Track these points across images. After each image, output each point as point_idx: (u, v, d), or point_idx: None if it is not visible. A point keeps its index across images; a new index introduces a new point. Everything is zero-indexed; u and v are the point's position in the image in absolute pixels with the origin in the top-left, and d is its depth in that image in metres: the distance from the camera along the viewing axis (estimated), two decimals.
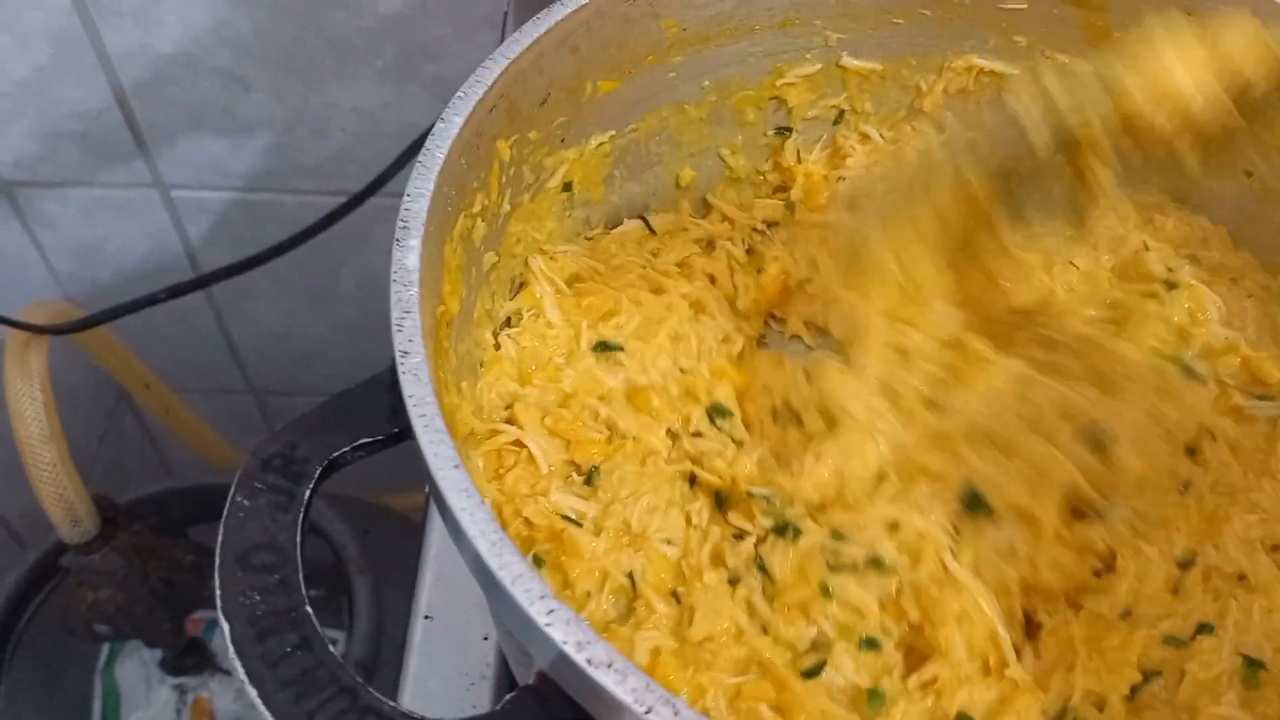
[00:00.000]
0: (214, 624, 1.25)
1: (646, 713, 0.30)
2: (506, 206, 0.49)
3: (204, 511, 1.18)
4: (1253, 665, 0.42)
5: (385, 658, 1.09)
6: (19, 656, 1.13)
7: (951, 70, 0.56)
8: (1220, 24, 0.39)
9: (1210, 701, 0.41)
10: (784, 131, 0.58)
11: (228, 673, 1.19)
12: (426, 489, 0.59)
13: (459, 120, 0.43)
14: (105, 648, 1.19)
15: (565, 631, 0.31)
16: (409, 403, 0.35)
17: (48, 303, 1.06)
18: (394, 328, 0.37)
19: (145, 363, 1.35)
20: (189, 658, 1.16)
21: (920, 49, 0.55)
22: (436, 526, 0.58)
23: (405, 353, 0.37)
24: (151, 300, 0.98)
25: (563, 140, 0.51)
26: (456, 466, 0.34)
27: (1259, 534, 0.44)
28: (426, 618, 0.55)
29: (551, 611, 0.31)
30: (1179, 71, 0.38)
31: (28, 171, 1.25)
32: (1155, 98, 0.39)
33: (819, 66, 0.56)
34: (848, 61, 0.56)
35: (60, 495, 0.91)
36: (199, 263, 1.36)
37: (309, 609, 0.35)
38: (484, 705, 0.52)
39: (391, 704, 0.33)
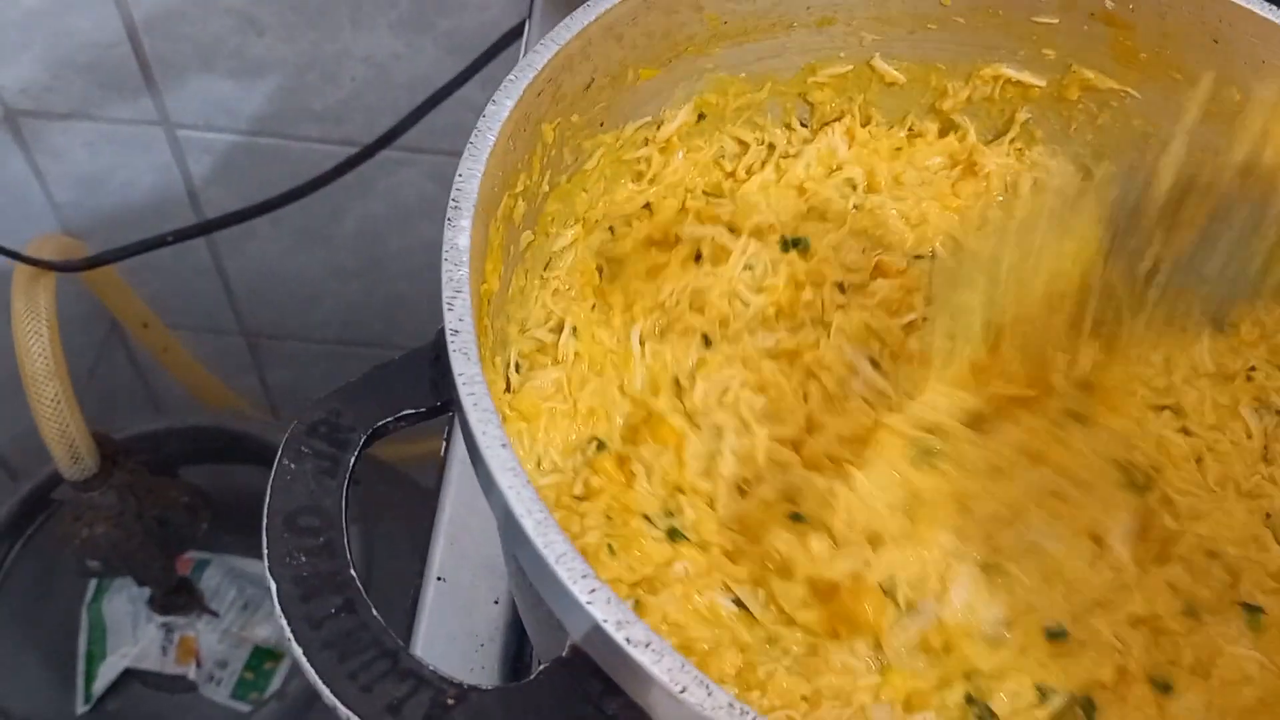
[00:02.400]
0: (204, 564, 1.26)
1: (681, 691, 0.32)
2: (545, 187, 0.50)
3: (199, 452, 1.19)
4: (1252, 611, 0.45)
5: (373, 606, 1.11)
6: (6, 588, 1.14)
7: (979, 78, 0.57)
8: None
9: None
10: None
11: (215, 613, 1.21)
12: (442, 452, 0.61)
13: (510, 103, 0.44)
14: (93, 582, 1.20)
15: (606, 610, 0.33)
16: (458, 380, 0.37)
17: (55, 237, 1.07)
18: (445, 306, 0.38)
19: (143, 300, 1.35)
20: (177, 597, 1.17)
21: (950, 55, 0.57)
22: (452, 492, 0.59)
23: (456, 331, 0.38)
24: (159, 242, 0.99)
25: (601, 124, 0.52)
26: (504, 445, 0.35)
27: None
28: (439, 579, 0.57)
29: (594, 591, 0.33)
30: None
31: (34, 101, 1.24)
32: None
33: (850, 67, 0.57)
34: (879, 63, 0.57)
35: (63, 432, 0.92)
36: (199, 202, 1.36)
37: (353, 573, 0.37)
38: (493, 667, 0.54)
39: (431, 668, 0.35)
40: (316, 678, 0.35)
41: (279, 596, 0.36)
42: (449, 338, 0.38)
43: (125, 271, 1.32)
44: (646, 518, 0.48)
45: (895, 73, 0.57)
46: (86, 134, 1.29)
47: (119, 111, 1.26)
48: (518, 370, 0.50)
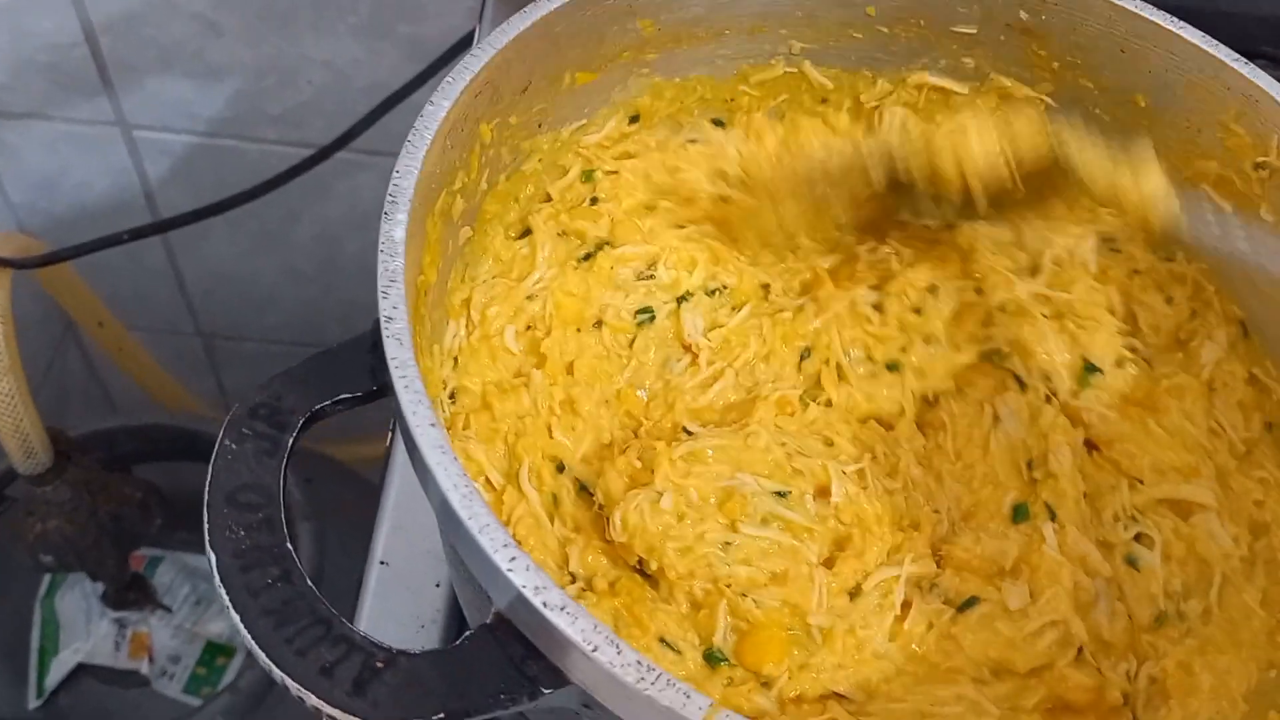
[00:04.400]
0: (157, 561, 1.27)
1: (593, 650, 0.34)
2: (484, 185, 0.52)
3: (153, 450, 1.20)
4: None
5: (324, 595, 1.12)
6: None
7: (904, 85, 0.60)
8: (1015, 111, 0.49)
9: None
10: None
11: (168, 609, 1.22)
12: (388, 443, 0.63)
13: (447, 103, 0.46)
14: (47, 578, 1.20)
15: (525, 577, 0.35)
16: (391, 365, 0.39)
17: (13, 235, 1.07)
18: (380, 294, 0.41)
19: (99, 299, 1.35)
20: (130, 593, 1.18)
21: (876, 62, 0.59)
22: (397, 480, 0.61)
23: (390, 318, 0.40)
24: (114, 240, 1.00)
25: (539, 125, 0.54)
26: (433, 425, 0.38)
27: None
28: (382, 563, 0.59)
29: (514, 559, 0.35)
30: (975, 141, 0.49)
31: None
32: (954, 158, 0.50)
33: (781, 72, 0.60)
34: (809, 69, 0.60)
35: (17, 427, 0.93)
36: (156, 203, 1.37)
37: (290, 546, 0.39)
38: (433, 645, 0.56)
39: (362, 634, 0.37)
40: (254, 643, 0.37)
41: (219, 568, 0.38)
42: (383, 324, 0.40)
43: (82, 271, 1.32)
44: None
45: (824, 79, 0.60)
46: (44, 134, 1.29)
47: (77, 112, 1.27)
48: (455, 364, 0.52)
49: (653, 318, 0.55)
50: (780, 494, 0.48)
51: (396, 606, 0.57)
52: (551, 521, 0.48)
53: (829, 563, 0.48)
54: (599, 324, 0.54)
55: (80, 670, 1.20)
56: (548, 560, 0.46)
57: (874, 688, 0.45)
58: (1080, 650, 0.46)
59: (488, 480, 0.48)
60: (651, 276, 0.56)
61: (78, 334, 1.49)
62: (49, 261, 0.99)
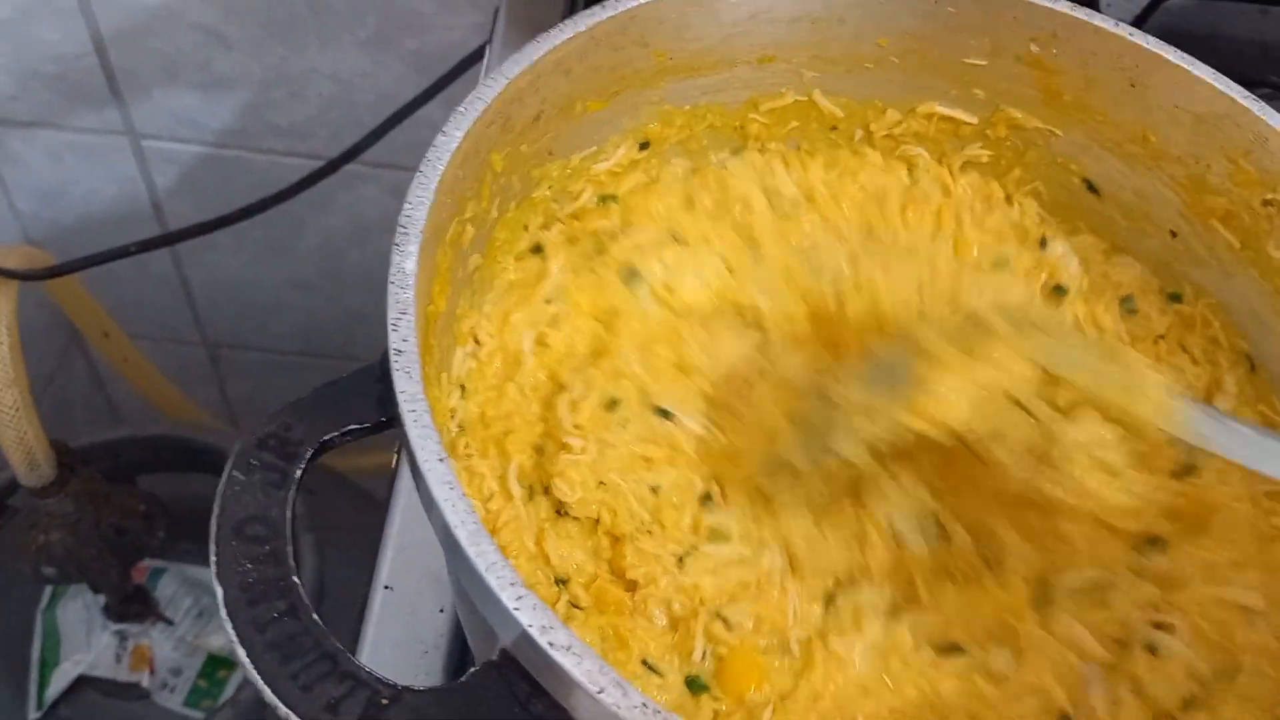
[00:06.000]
0: (159, 573, 1.27)
1: (599, 692, 0.34)
2: (494, 213, 0.52)
3: (157, 461, 1.20)
4: None
5: (325, 614, 1.12)
6: None
7: (914, 115, 0.60)
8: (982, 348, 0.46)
9: None
10: None
11: (170, 621, 1.22)
12: (394, 464, 0.63)
13: (459, 134, 0.46)
14: (48, 589, 1.20)
15: (531, 616, 0.35)
16: (400, 398, 0.39)
17: (19, 247, 1.07)
18: (390, 327, 0.41)
19: (104, 309, 1.36)
20: (132, 605, 1.18)
21: (885, 92, 0.59)
22: (401, 503, 0.61)
23: (400, 351, 0.40)
24: (123, 253, 1.00)
25: (550, 153, 0.54)
26: (441, 460, 0.38)
27: None
28: (386, 588, 0.59)
29: (520, 598, 0.35)
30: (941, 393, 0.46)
31: None
32: (923, 416, 0.46)
33: (791, 101, 0.60)
34: (819, 98, 0.60)
35: (20, 439, 0.93)
36: (164, 213, 1.37)
37: (296, 579, 0.39)
38: (436, 672, 0.56)
39: (369, 670, 0.37)
40: (259, 678, 0.37)
41: (226, 601, 0.38)
42: (393, 358, 0.40)
43: (87, 281, 1.32)
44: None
45: (834, 108, 0.60)
46: (51, 143, 1.29)
47: (84, 121, 1.27)
48: (463, 391, 0.52)
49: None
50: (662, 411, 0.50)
51: (399, 632, 0.57)
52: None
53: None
54: (614, 311, 0.54)
55: (81, 682, 1.20)
56: (534, 567, 0.46)
57: None
58: None
59: (484, 491, 0.48)
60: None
61: (83, 343, 1.50)
62: (56, 274, 0.99)
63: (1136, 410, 0.45)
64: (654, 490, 0.49)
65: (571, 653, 0.34)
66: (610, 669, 0.34)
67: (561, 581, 0.48)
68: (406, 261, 0.42)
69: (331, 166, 1.09)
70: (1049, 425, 0.48)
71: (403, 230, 0.43)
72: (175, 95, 1.25)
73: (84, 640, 1.20)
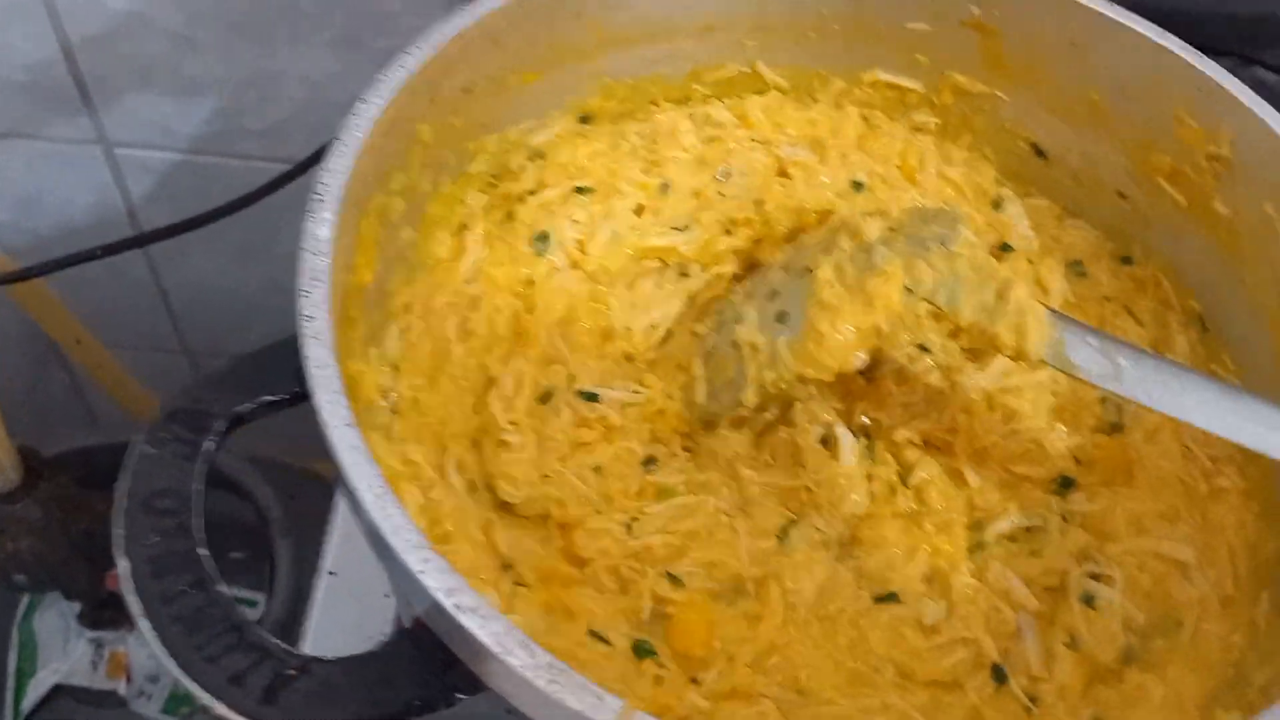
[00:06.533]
0: None
1: (504, 654, 0.33)
2: (426, 186, 0.51)
3: None
4: None
5: (304, 619, 1.11)
6: None
7: (859, 84, 0.59)
8: (874, 289, 0.46)
9: None
10: None
11: None
12: None
13: (380, 102, 0.45)
14: (24, 599, 1.19)
15: (437, 579, 0.34)
16: (308, 364, 0.38)
17: None
18: (300, 294, 0.40)
19: (78, 317, 1.35)
20: (107, 611, 1.16)
21: (829, 61, 0.58)
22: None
23: (310, 318, 0.39)
24: (88, 256, 0.99)
25: (484, 126, 0.54)
26: (349, 425, 0.37)
27: None
28: (331, 573, 0.58)
29: (426, 560, 0.34)
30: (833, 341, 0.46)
31: None
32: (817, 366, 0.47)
33: (734, 72, 0.59)
34: (762, 69, 0.59)
35: None
36: (139, 221, 1.36)
37: (204, 551, 0.38)
38: None
39: (275, 640, 0.36)
40: (163, 651, 0.36)
41: (132, 575, 0.37)
42: (302, 324, 0.39)
43: (64, 289, 1.32)
44: None
45: (778, 78, 0.59)
46: (23, 152, 1.29)
47: (56, 130, 1.27)
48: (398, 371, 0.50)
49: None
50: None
51: (345, 617, 0.56)
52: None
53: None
54: (530, 282, 0.53)
55: (58, 691, 1.18)
56: (479, 553, 0.45)
57: (803, 686, 0.43)
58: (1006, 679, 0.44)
59: (423, 479, 0.47)
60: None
61: (61, 353, 1.49)
62: (18, 278, 0.99)
63: (1024, 345, 0.44)
64: (597, 470, 0.48)
65: (478, 615, 0.33)
66: (517, 630, 0.33)
67: (508, 567, 0.47)
68: (320, 228, 0.41)
69: (301, 168, 1.08)
70: (948, 366, 0.49)
71: (318, 197, 0.42)
72: (147, 101, 1.25)
73: (60, 649, 1.19)
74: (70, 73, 1.21)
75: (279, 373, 0.42)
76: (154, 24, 1.17)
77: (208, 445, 0.40)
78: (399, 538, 0.35)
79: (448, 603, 0.33)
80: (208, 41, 1.18)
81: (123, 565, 0.37)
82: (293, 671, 0.35)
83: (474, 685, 0.35)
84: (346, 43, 1.17)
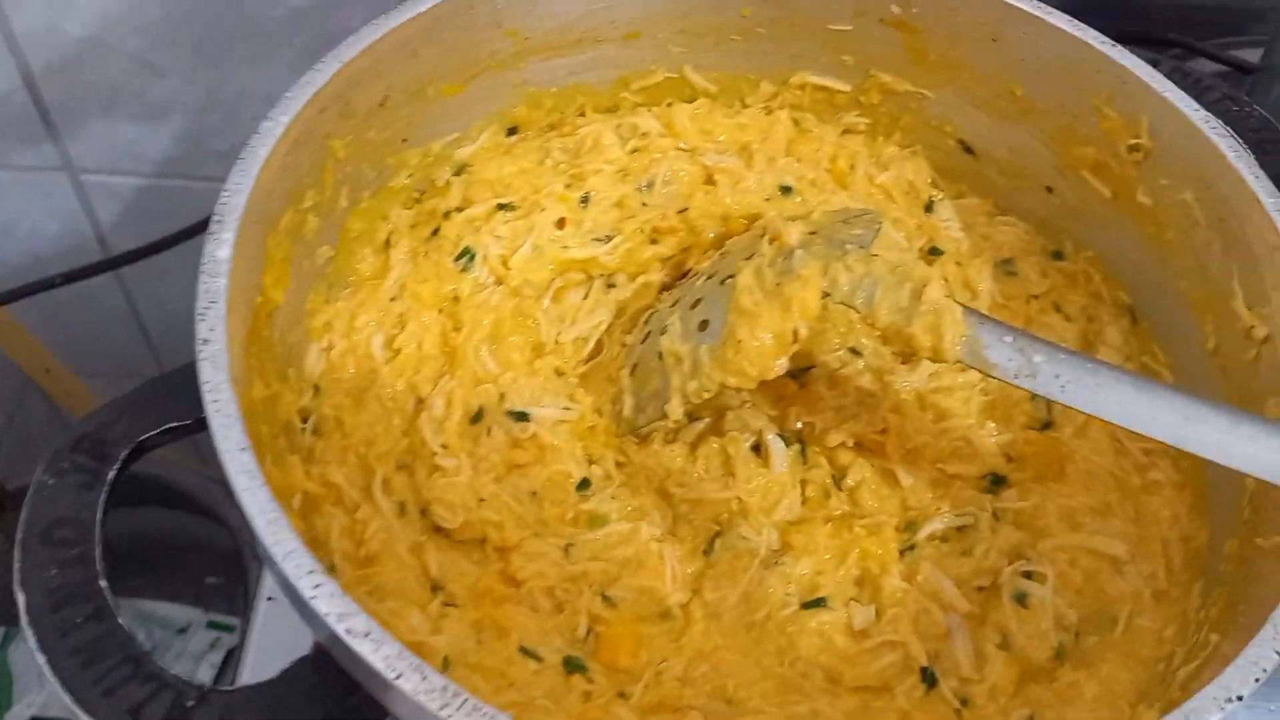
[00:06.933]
0: None
1: (396, 678, 0.32)
2: (344, 202, 0.51)
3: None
4: None
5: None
6: None
7: (787, 87, 0.58)
8: (791, 293, 0.45)
9: None
10: None
11: None
12: None
13: (285, 120, 0.45)
14: (1, 632, 1.18)
15: (329, 604, 0.33)
16: (204, 388, 0.37)
17: None
18: (197, 316, 0.39)
19: (53, 346, 1.34)
20: None
21: (756, 64, 0.58)
22: None
23: (206, 340, 0.39)
24: (48, 284, 0.99)
25: (405, 140, 0.53)
26: (243, 449, 0.36)
27: None
28: (269, 599, 0.57)
29: (318, 585, 0.34)
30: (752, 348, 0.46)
31: None
32: (738, 374, 0.46)
33: (662, 78, 0.58)
34: (690, 74, 0.58)
35: None
36: (109, 247, 1.36)
37: (103, 582, 0.37)
38: None
39: (173, 673, 0.35)
40: (59, 685, 0.35)
41: (27, 608, 0.37)
42: (199, 347, 0.39)
43: (37, 318, 1.31)
44: None
45: (707, 83, 0.59)
46: None
47: (21, 159, 1.26)
48: (316, 392, 0.50)
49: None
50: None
51: (284, 643, 0.56)
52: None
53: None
54: (456, 299, 0.52)
55: None
56: (406, 574, 0.44)
57: (731, 695, 0.43)
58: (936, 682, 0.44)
59: (347, 501, 0.46)
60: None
61: (40, 383, 1.48)
62: None
63: (939, 345, 0.44)
64: (533, 495, 0.48)
65: (369, 639, 0.33)
66: (410, 654, 0.33)
67: (438, 587, 0.46)
68: (220, 249, 0.41)
69: None
70: (879, 369, 0.49)
71: (218, 219, 0.42)
72: (111, 127, 1.24)
73: (36, 681, 1.18)
74: (33, 101, 1.21)
75: (185, 398, 0.41)
76: (115, 50, 1.17)
77: (110, 474, 0.39)
78: (290, 563, 0.34)
79: (339, 628, 0.33)
80: (169, 65, 1.18)
81: (20, 598, 0.37)
82: (191, 702, 0.35)
83: (376, 710, 0.35)
84: (308, 61, 1.16)
